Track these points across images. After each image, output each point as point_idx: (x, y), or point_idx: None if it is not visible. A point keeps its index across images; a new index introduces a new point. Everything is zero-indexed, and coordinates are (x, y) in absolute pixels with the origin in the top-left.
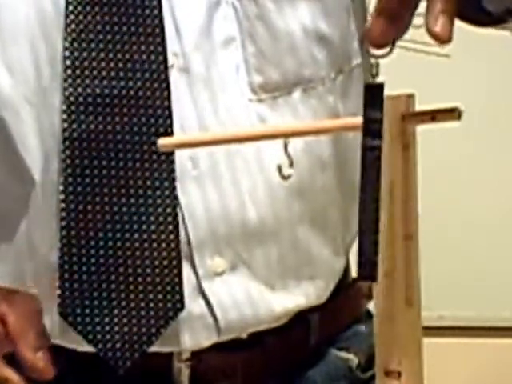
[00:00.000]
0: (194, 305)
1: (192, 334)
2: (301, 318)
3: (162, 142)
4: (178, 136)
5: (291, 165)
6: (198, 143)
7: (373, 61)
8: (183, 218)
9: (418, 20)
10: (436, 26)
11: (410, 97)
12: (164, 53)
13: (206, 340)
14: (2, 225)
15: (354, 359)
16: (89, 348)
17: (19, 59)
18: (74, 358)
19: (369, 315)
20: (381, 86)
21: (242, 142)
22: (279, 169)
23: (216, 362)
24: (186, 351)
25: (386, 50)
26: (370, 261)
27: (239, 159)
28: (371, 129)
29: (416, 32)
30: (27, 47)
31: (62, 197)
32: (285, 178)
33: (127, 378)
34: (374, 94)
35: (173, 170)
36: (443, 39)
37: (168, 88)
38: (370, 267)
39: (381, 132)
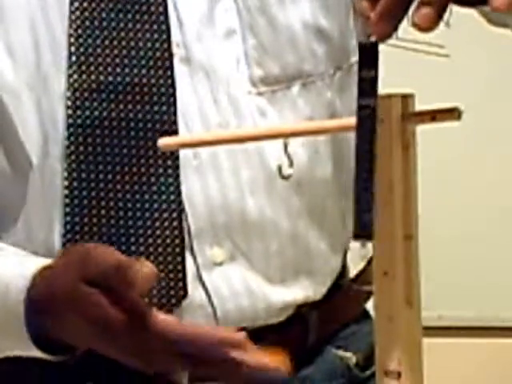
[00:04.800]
0: (194, 293)
1: (193, 323)
2: (299, 316)
3: (163, 142)
4: (179, 136)
5: (291, 165)
6: (199, 143)
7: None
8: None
9: None
10: (416, 15)
11: (410, 97)
12: (168, 41)
13: None
14: None
15: (352, 358)
16: None
17: (20, 44)
18: (73, 351)
19: (366, 315)
20: (375, 45)
21: (244, 141)
22: (279, 169)
23: None
24: None
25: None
26: (367, 220)
27: (240, 151)
28: (365, 88)
29: (416, 32)
30: (28, 32)
31: (65, 183)
32: (285, 177)
33: (127, 378)
34: (368, 53)
35: (177, 158)
36: (422, 28)
37: (172, 76)
38: (366, 226)
39: (375, 91)
